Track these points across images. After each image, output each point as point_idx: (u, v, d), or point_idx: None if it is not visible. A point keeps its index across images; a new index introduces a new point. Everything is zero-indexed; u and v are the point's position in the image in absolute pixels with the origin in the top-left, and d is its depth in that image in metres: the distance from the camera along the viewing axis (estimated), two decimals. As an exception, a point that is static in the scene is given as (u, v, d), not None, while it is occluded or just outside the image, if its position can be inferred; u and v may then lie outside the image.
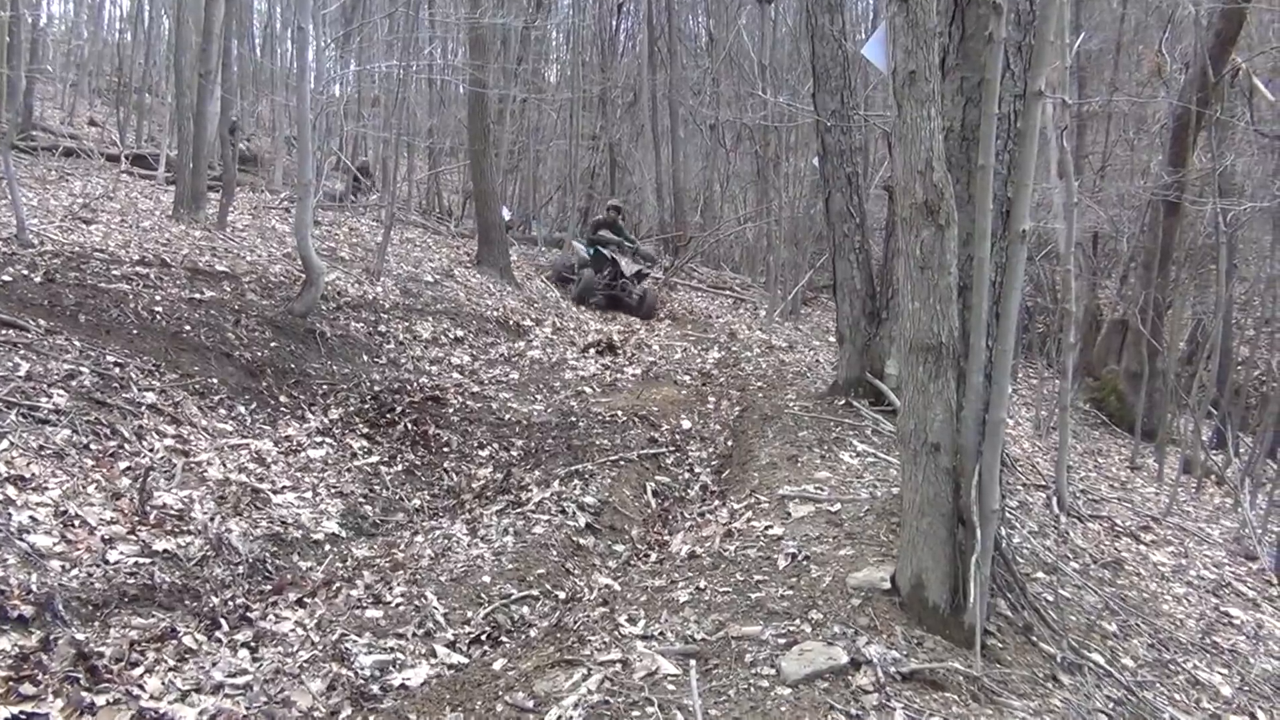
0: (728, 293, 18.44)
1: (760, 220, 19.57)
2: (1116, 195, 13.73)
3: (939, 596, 3.67)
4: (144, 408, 5.80)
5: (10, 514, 4.36)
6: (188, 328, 7.33)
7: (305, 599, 4.44)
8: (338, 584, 4.60)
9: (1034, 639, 3.91)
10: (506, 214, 16.04)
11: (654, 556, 5.25)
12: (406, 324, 10.25)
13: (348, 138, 24.00)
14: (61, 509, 4.57)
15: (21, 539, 4.24)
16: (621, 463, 6.71)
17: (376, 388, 7.81)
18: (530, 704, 3.24)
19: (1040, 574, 5.00)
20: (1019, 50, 3.72)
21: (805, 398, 8.13)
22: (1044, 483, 7.35)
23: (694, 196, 24.12)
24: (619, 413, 8.08)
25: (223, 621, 4.11)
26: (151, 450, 5.41)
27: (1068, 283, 7.24)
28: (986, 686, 3.37)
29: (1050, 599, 4.64)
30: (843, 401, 7.66)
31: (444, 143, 23.32)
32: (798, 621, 3.68)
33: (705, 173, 24.30)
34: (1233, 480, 9.49)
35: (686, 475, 6.83)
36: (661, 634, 3.71)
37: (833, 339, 8.58)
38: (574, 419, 7.89)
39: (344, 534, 5.39)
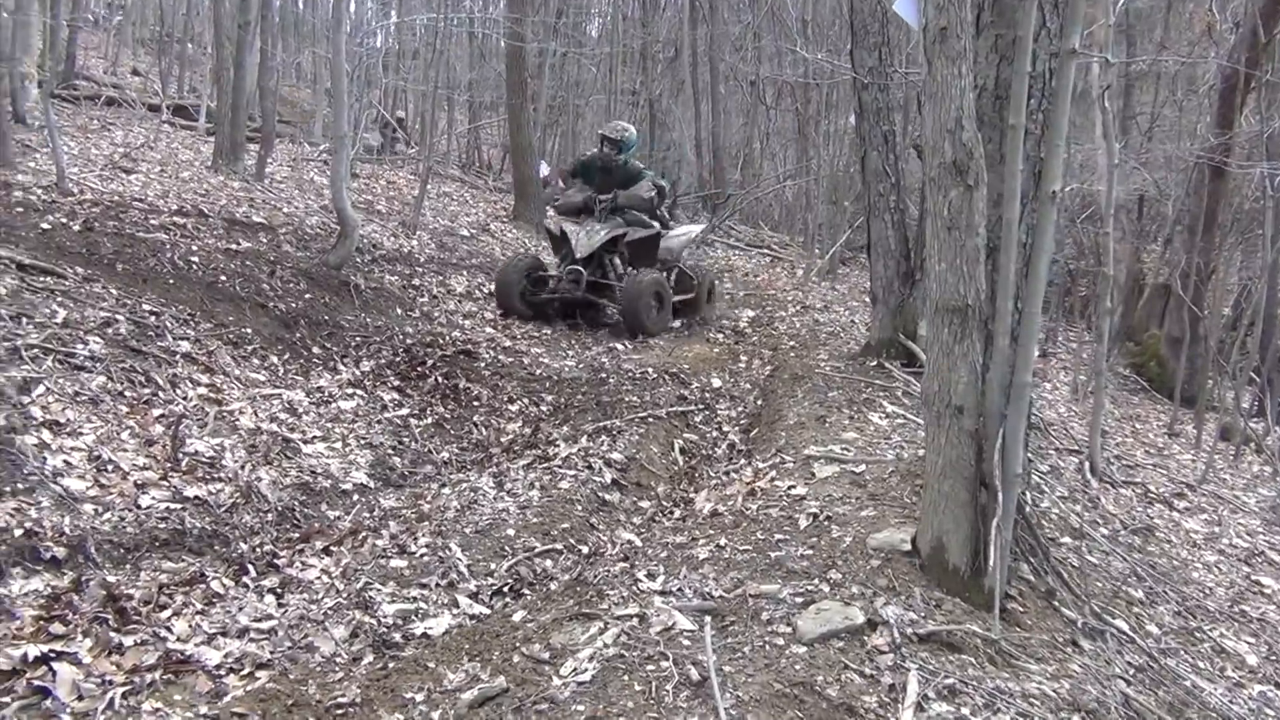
0: (765, 251, 18.31)
1: (799, 178, 19.38)
2: (1163, 157, 13.45)
3: (959, 559, 3.66)
4: (178, 356, 5.87)
5: (45, 458, 4.44)
6: (223, 278, 7.39)
7: (331, 547, 4.50)
8: (364, 533, 4.66)
9: (1055, 604, 3.89)
10: (545, 169, 15.99)
11: (678, 514, 5.27)
12: (441, 278, 10.28)
13: (387, 91, 23.96)
14: (95, 454, 4.65)
15: (56, 482, 4.32)
16: (650, 420, 6.72)
17: (409, 341, 7.85)
18: (546, 655, 3.27)
19: (1067, 539, 4.97)
20: (1056, 7, 3.64)
21: (837, 358, 8.09)
22: (1077, 448, 7.28)
23: (734, 154, 23.91)
24: (649, 370, 8.08)
25: (250, 568, 4.18)
26: (185, 398, 5.48)
27: (1106, 246, 7.13)
28: (1004, 650, 3.36)
29: (1076, 564, 4.62)
30: (874, 362, 7.62)
31: (484, 97, 23.24)
32: (816, 581, 3.68)
33: (745, 129, 24.08)
34: (1271, 448, 9.36)
35: (714, 434, 6.83)
36: (680, 590, 3.73)
37: (869, 299, 8.51)
38: (604, 375, 7.90)
39: (372, 484, 5.44)
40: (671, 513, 5.40)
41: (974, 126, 3.33)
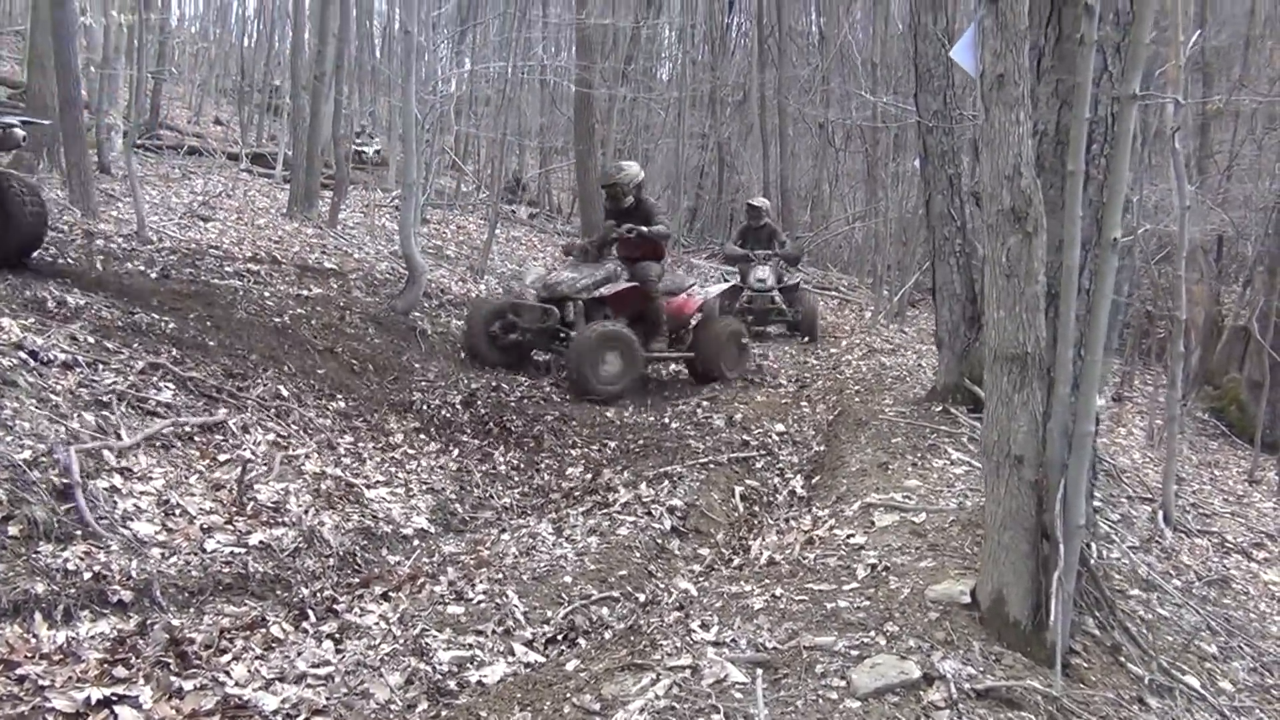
0: (834, 293, 18.23)
1: (868, 220, 19.30)
2: (1242, 196, 13.15)
3: (1020, 612, 3.57)
4: (248, 401, 6.00)
5: (116, 502, 4.56)
6: (294, 323, 7.55)
7: (390, 593, 4.54)
8: (423, 579, 4.69)
9: (1122, 659, 3.78)
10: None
11: (736, 562, 5.23)
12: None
13: (460, 137, 24.40)
14: (164, 499, 4.77)
15: (125, 526, 4.44)
16: (711, 466, 6.70)
17: (474, 385, 7.93)
18: (597, 706, 3.25)
19: (1136, 591, 4.83)
20: (1118, 51, 3.60)
21: (902, 403, 8.00)
22: (1151, 495, 7.10)
23: (803, 196, 23.93)
24: (713, 415, 8.06)
25: (310, 612, 4.22)
26: (254, 444, 5.60)
27: (1178, 289, 6.97)
28: (1065, 707, 3.26)
29: (1145, 617, 4.48)
30: (940, 408, 7.51)
31: (555, 141, 23.58)
32: (872, 633, 3.62)
33: (814, 171, 24.10)
34: (1358, 497, 9.02)
35: (776, 480, 6.78)
36: (733, 641, 3.69)
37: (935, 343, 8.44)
38: (667, 420, 7.90)
39: (433, 530, 5.49)
40: (730, 561, 5.37)
41: (1032, 173, 3.30)
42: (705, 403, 8.77)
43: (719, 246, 18.92)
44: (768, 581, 4.42)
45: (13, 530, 4.14)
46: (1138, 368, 14.65)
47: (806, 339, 13.17)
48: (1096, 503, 5.16)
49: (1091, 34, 3.17)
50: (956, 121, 7.72)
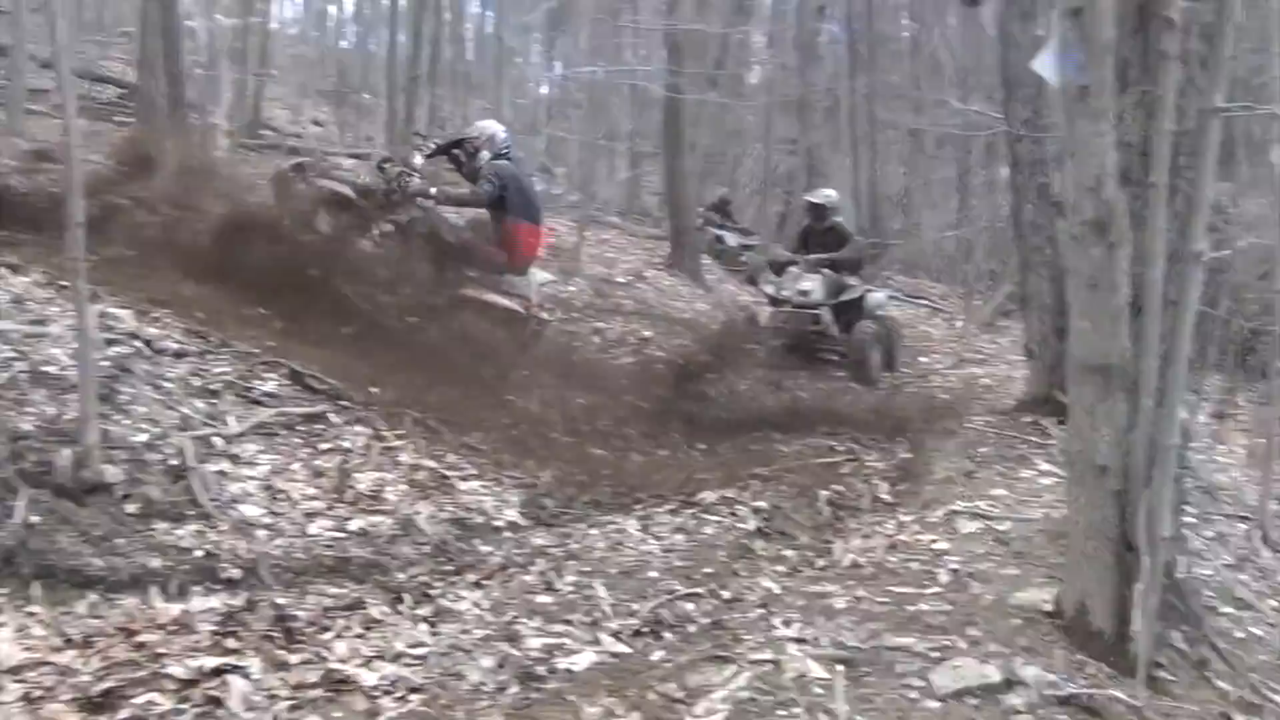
0: (924, 302, 18.08)
1: (960, 229, 19.11)
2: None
3: (1103, 622, 3.60)
4: (346, 392, 6.22)
5: (225, 485, 4.82)
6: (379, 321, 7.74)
7: (482, 581, 4.71)
8: (513, 569, 4.86)
9: (1208, 675, 3.77)
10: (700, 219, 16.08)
11: (819, 564, 5.30)
12: (597, 323, 10.56)
13: (549, 141, 24.72)
14: (269, 484, 5.01)
15: (234, 508, 4.69)
16: (797, 469, 6.78)
17: (563, 384, 8.08)
18: (681, 695, 3.37)
19: (1229, 609, 4.79)
20: (1203, 65, 3.59)
21: (991, 413, 7.97)
22: (1249, 514, 6.96)
23: (893, 203, 23.72)
24: (799, 418, 8.12)
25: (406, 597, 4.41)
26: (354, 435, 5.82)
27: (1274, 305, 6.84)
28: (1148, 718, 3.29)
29: (1237, 635, 4.45)
30: (1029, 419, 7.48)
31: (644, 145, 23.73)
32: (953, 637, 3.68)
33: (905, 179, 23.88)
34: None
35: (861, 485, 6.81)
36: (815, 638, 3.77)
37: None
38: (755, 423, 7.98)
39: (523, 522, 5.65)
40: (813, 563, 5.43)
41: (1115, 185, 3.32)
42: (788, 405, 8.81)
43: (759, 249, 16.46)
44: (851, 583, 4.49)
45: (131, 508, 4.42)
46: (1241, 384, 14.26)
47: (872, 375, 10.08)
48: (1189, 518, 5.12)
49: (1173, 48, 3.19)
50: (1046, 130, 7.67)
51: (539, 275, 8.80)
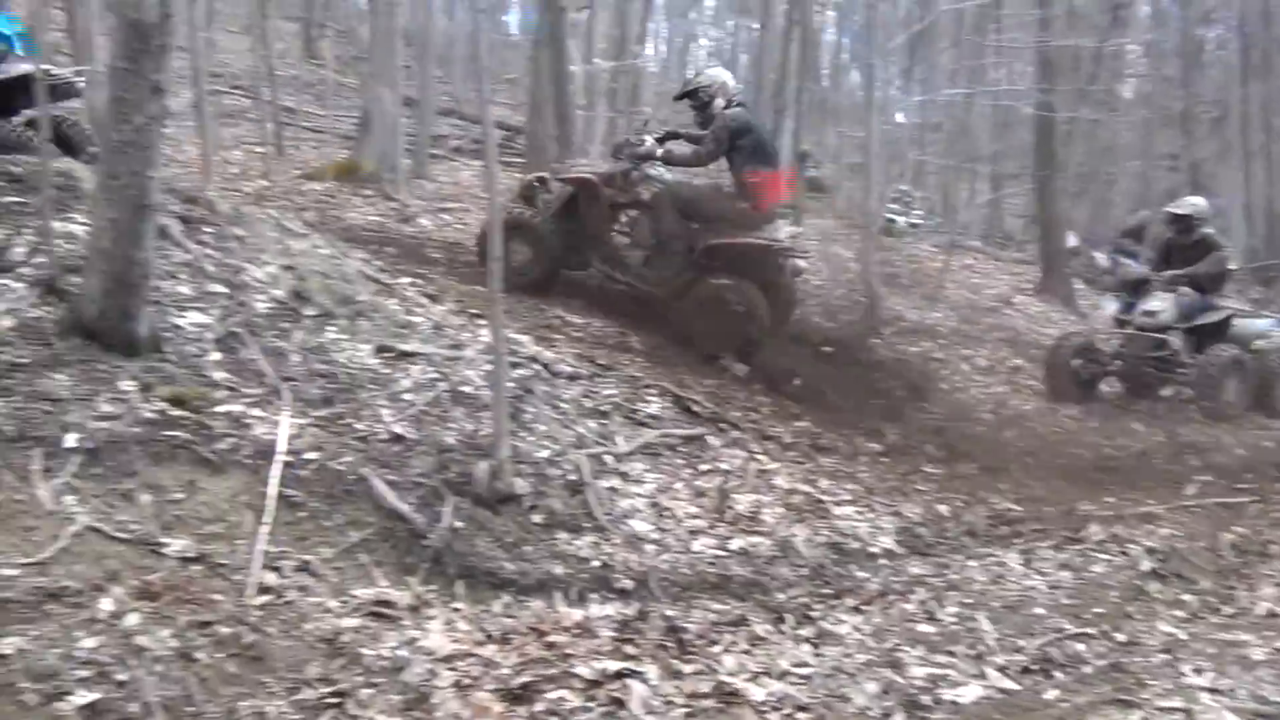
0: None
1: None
2: None
3: None
4: (724, 416, 6.45)
5: (616, 501, 5.13)
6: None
7: (861, 606, 4.71)
8: (892, 596, 4.83)
9: None
10: (1073, 240, 15.16)
11: (1226, 610, 4.87)
12: (965, 351, 10.28)
13: (910, 167, 24.34)
14: (655, 501, 5.29)
15: (625, 523, 5.00)
16: (1194, 508, 6.28)
17: (933, 414, 7.94)
18: (1085, 736, 3.21)
19: None
20: None
21: None
22: None
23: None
24: (1186, 454, 7.53)
25: (788, 617, 4.50)
26: (731, 457, 6.01)
27: None
28: None
29: None
30: None
31: (1008, 166, 22.85)
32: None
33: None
34: None
35: (1267, 526, 6.18)
36: (1231, 690, 3.48)
37: None
38: (1143, 457, 7.49)
39: (899, 550, 5.59)
40: (1218, 609, 5.00)
41: None
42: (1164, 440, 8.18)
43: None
44: (1269, 633, 4.11)
45: (537, 518, 4.81)
46: None
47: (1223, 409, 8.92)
48: None
49: None
50: None
51: (786, 229, 8.65)
